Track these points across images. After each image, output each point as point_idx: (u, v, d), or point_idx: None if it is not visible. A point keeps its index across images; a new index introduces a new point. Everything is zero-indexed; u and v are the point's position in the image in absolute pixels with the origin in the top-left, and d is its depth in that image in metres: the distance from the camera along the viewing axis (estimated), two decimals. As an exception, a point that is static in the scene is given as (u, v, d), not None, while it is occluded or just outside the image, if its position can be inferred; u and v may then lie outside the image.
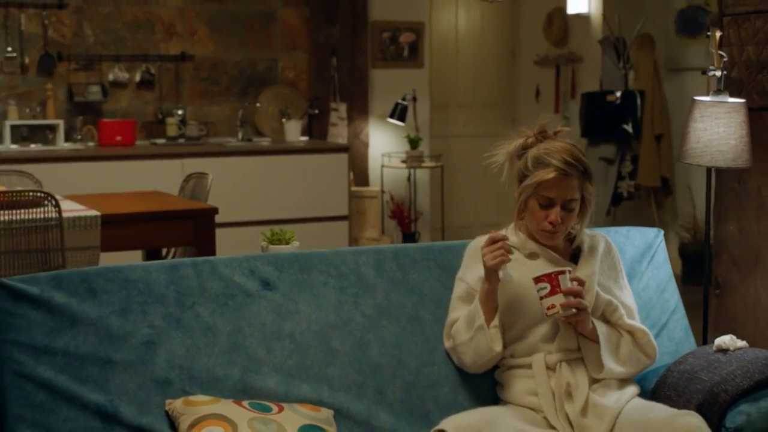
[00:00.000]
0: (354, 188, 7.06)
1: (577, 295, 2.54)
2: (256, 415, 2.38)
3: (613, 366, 2.62)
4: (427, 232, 7.79)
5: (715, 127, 2.87)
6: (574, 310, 2.54)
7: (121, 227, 4.25)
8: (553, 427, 2.55)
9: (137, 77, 6.74)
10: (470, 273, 2.74)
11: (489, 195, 8.07)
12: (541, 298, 2.55)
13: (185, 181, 4.94)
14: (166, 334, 2.51)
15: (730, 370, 2.60)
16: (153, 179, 6.10)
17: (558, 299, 2.53)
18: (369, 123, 7.49)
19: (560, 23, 8.03)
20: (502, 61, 8.60)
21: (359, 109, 7.40)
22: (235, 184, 6.39)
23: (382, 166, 7.52)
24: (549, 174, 2.60)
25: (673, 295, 3.13)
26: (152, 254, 5.02)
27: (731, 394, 2.55)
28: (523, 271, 2.65)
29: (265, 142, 7.03)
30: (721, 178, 3.48)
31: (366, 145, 7.48)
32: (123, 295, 2.51)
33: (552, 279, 2.53)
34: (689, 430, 2.36)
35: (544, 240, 2.68)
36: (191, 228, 4.36)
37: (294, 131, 7.11)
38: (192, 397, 2.43)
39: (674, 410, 2.48)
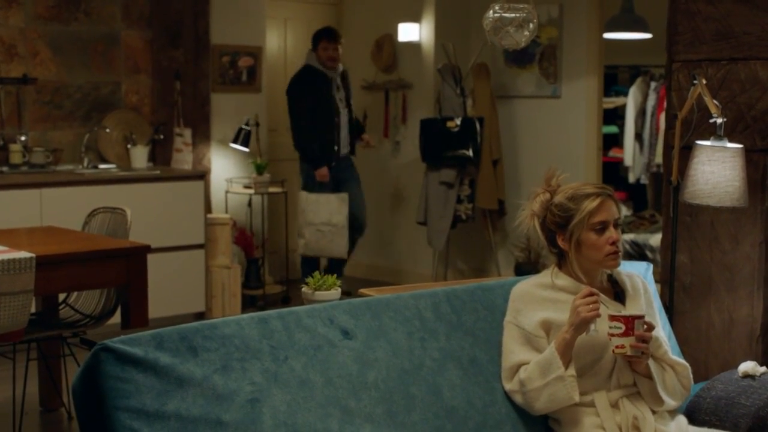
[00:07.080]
0: (208, 215, 6.92)
1: (647, 341, 2.70)
2: (378, 468, 2.37)
3: (667, 399, 2.79)
4: (267, 257, 7.75)
5: (722, 170, 3.12)
6: (641, 353, 2.70)
7: (51, 269, 3.98)
8: (624, 460, 2.69)
9: (-23, 101, 6.31)
10: (524, 318, 2.84)
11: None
12: (612, 335, 2.70)
13: (90, 215, 4.68)
14: (267, 391, 2.44)
15: (768, 395, 2.84)
16: (12, 211, 5.73)
17: (629, 341, 2.68)
18: (211, 148, 7.36)
19: (390, 50, 8.22)
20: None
21: (202, 134, 7.25)
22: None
23: (227, 192, 7.41)
24: (594, 201, 2.80)
25: (666, 324, 3.35)
26: (49, 300, 4.71)
27: (778, 417, 2.79)
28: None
29: (112, 168, 6.75)
30: (673, 211, 3.74)
31: (209, 170, 7.34)
32: (222, 352, 2.42)
33: (628, 321, 2.67)
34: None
35: (610, 264, 2.82)
36: (124, 267, 4.14)
37: (140, 157, 6.88)
38: (306, 455, 2.37)
39: (746, 437, 2.68)
